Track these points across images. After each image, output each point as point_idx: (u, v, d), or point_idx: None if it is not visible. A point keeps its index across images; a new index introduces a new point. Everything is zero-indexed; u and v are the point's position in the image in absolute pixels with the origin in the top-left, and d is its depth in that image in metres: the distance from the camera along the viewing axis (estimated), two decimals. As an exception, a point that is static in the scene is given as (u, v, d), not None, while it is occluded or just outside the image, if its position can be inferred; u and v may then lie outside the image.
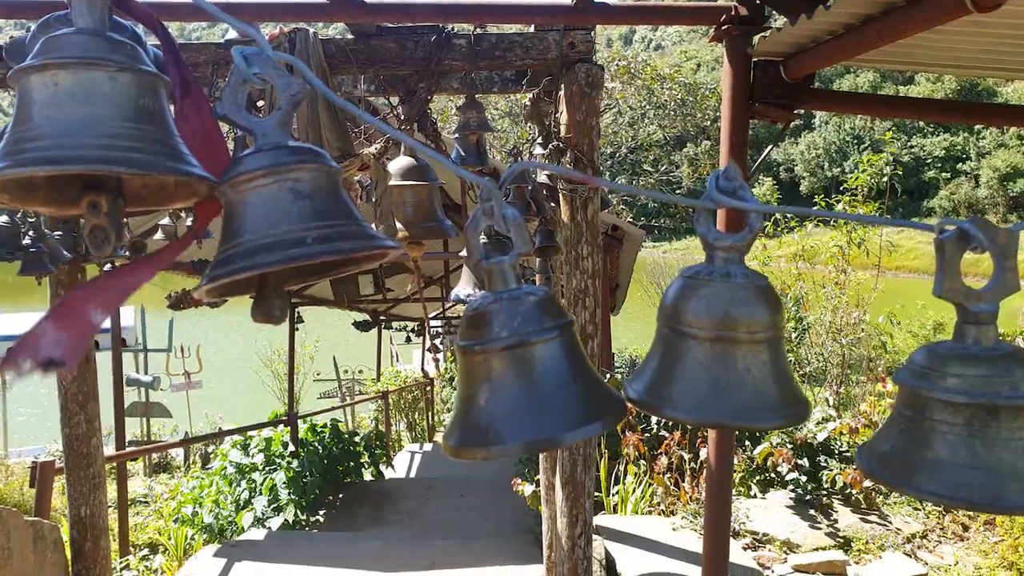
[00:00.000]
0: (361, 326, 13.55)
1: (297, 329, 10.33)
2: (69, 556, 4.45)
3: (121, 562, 6.14)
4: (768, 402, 0.86)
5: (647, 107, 18.98)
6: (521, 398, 0.81)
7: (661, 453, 5.81)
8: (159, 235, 5.87)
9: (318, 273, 0.91)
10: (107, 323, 7.15)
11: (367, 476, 8.98)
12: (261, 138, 0.83)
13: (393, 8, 3.37)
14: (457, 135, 3.37)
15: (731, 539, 3.82)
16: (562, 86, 3.34)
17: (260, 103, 3.23)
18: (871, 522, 5.34)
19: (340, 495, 8.10)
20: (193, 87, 0.89)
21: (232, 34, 3.45)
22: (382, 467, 9.21)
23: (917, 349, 0.85)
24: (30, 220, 4.00)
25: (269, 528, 6.67)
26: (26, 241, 3.94)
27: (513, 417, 0.81)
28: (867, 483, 5.57)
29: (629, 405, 0.92)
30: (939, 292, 0.82)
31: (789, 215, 10.29)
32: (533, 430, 0.79)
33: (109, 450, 6.58)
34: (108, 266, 5.70)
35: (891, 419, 0.87)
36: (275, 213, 0.81)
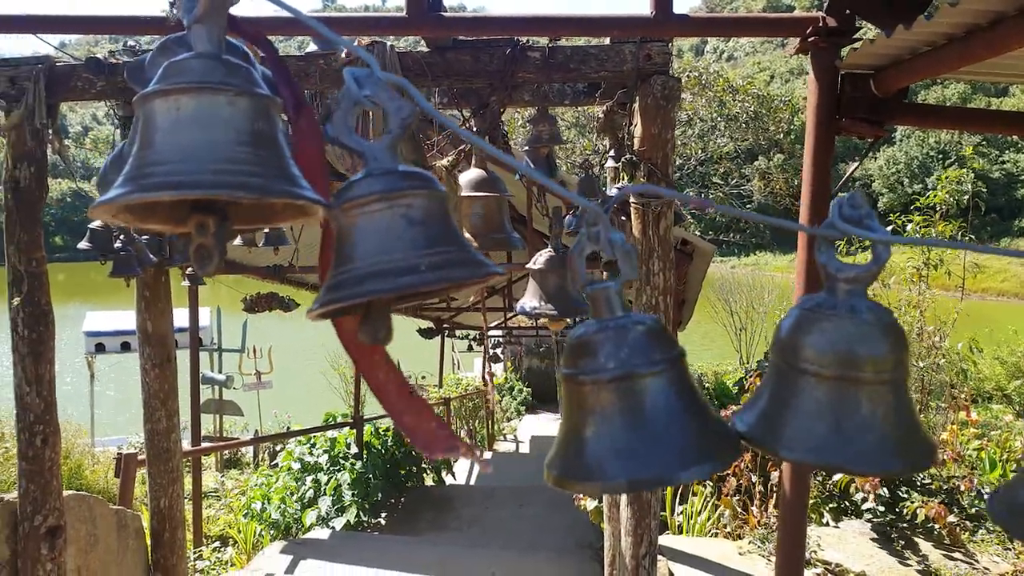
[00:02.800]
0: (425, 333, 13.71)
1: (364, 334, 10.49)
2: (149, 544, 4.62)
3: (195, 552, 6.34)
4: (894, 446, 0.81)
5: (718, 119, 18.71)
6: (628, 433, 0.78)
7: (730, 474, 5.68)
8: (238, 241, 6.04)
9: (424, 296, 0.91)
10: (185, 323, 7.41)
11: (428, 481, 9.06)
12: (372, 162, 0.84)
13: (469, 22, 3.41)
14: (527, 148, 3.38)
15: (802, 567, 3.71)
16: (637, 98, 3.31)
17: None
18: (955, 559, 5.07)
19: (402, 498, 8.20)
20: (305, 108, 0.90)
21: (312, 47, 3.54)
22: (443, 473, 9.28)
23: None
24: (121, 224, 4.16)
25: (333, 528, 6.79)
26: (117, 244, 4.11)
27: (619, 453, 0.78)
28: (951, 518, 5.31)
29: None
30: None
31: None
32: (640, 468, 0.76)
33: (185, 445, 6.81)
34: (190, 270, 5.93)
35: None
36: (387, 239, 0.81)
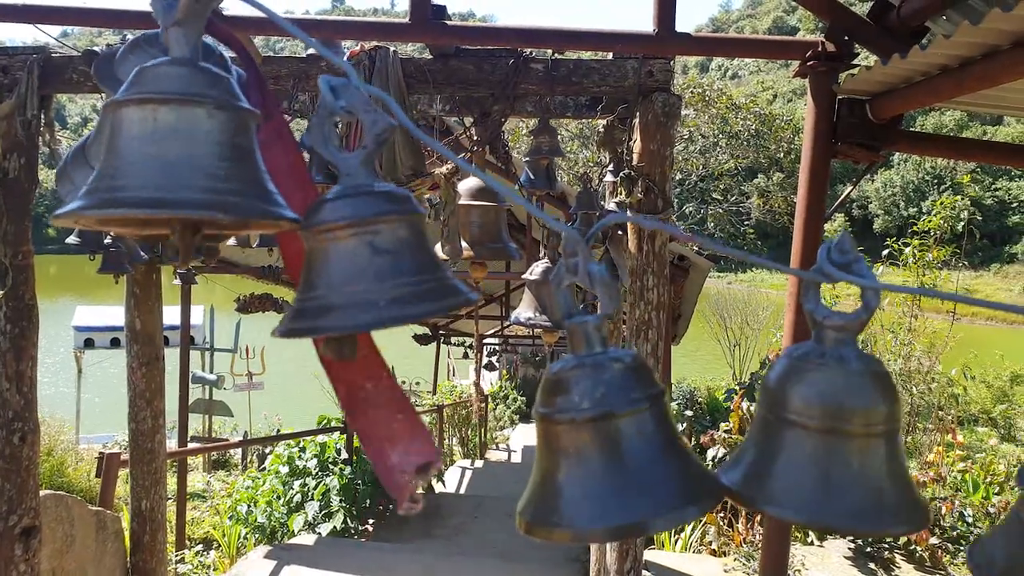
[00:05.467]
0: (421, 339, 13.68)
1: (358, 338, 10.45)
2: (128, 546, 4.56)
3: (176, 555, 6.26)
4: (887, 504, 0.77)
5: (720, 136, 18.78)
6: (604, 477, 0.74)
7: (716, 491, 5.67)
8: (232, 241, 6.02)
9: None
10: (177, 320, 7.38)
11: (417, 489, 8.98)
12: (345, 179, 0.80)
13: (472, 31, 3.40)
14: (528, 159, 3.37)
15: (787, 589, 3.68)
16: (637, 114, 3.31)
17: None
18: (935, 582, 5.10)
19: (390, 505, 8.13)
20: (275, 113, 0.88)
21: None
22: (433, 480, 9.23)
23: None
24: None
25: (319, 533, 6.72)
26: (107, 240, 4.04)
27: (595, 498, 0.74)
28: (933, 540, 5.34)
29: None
30: None
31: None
32: (617, 514, 0.72)
33: (172, 444, 6.75)
34: (183, 270, 5.90)
35: (1010, 522, 0.77)
36: (351, 269, 0.77)
